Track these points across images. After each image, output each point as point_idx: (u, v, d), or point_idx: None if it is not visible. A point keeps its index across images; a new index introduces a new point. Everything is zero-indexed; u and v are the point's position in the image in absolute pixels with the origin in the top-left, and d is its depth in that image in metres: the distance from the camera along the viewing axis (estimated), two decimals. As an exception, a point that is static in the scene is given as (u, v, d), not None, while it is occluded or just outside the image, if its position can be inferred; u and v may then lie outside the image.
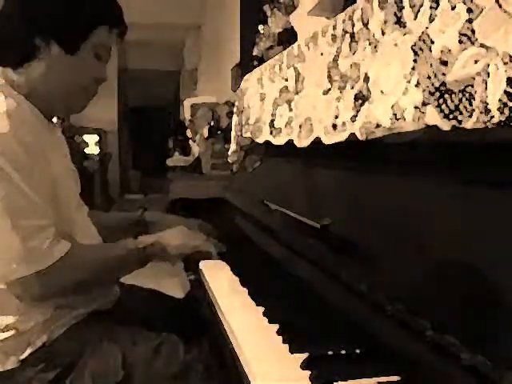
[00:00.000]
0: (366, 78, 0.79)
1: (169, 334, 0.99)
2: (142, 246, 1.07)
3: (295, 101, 1.12)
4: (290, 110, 1.15)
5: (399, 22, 0.70)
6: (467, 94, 0.55)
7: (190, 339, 1.00)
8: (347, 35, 0.86)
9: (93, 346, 0.95)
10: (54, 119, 1.14)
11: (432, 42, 0.62)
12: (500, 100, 0.50)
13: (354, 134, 0.83)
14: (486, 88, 0.52)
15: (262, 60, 1.80)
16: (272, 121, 1.27)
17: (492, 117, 0.51)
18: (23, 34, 0.98)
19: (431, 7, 0.62)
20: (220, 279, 1.08)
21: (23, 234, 0.89)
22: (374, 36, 0.77)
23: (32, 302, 0.95)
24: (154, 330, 1.03)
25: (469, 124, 0.55)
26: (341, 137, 0.88)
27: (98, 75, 1.07)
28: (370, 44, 0.78)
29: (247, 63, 2.19)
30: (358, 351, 0.67)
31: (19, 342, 0.94)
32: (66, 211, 1.02)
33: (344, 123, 0.86)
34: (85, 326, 1.00)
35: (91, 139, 7.34)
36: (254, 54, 1.94)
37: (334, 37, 0.92)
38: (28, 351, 0.94)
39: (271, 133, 1.28)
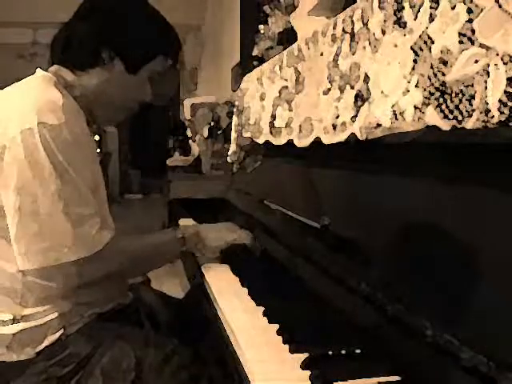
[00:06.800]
0: (366, 78, 0.79)
1: (180, 344, 1.00)
2: (180, 236, 1.10)
3: (295, 101, 1.12)
4: (290, 110, 1.15)
5: (399, 21, 0.70)
6: (467, 94, 0.55)
7: (192, 342, 1.00)
8: (347, 35, 0.86)
9: (107, 344, 0.96)
10: None
11: (432, 42, 0.62)
12: (500, 100, 0.50)
13: (354, 134, 0.83)
14: (486, 88, 0.52)
15: (262, 60, 1.80)
16: (272, 121, 1.27)
17: (492, 117, 0.51)
18: (93, 42, 1.02)
19: (431, 7, 0.62)
20: (220, 279, 1.08)
21: (73, 220, 0.92)
22: (374, 36, 0.77)
23: (55, 296, 0.96)
24: (160, 330, 1.04)
25: (469, 124, 0.55)
26: (341, 137, 0.88)
27: (145, 99, 1.11)
28: (369, 44, 0.78)
29: (247, 63, 2.19)
30: (358, 351, 0.67)
31: (36, 334, 0.95)
32: (101, 207, 1.03)
33: (344, 123, 0.86)
34: (100, 324, 1.01)
35: (91, 139, 7.32)
36: (254, 54, 1.94)
37: (334, 37, 0.92)
38: (44, 344, 0.95)
39: (271, 133, 1.27)
